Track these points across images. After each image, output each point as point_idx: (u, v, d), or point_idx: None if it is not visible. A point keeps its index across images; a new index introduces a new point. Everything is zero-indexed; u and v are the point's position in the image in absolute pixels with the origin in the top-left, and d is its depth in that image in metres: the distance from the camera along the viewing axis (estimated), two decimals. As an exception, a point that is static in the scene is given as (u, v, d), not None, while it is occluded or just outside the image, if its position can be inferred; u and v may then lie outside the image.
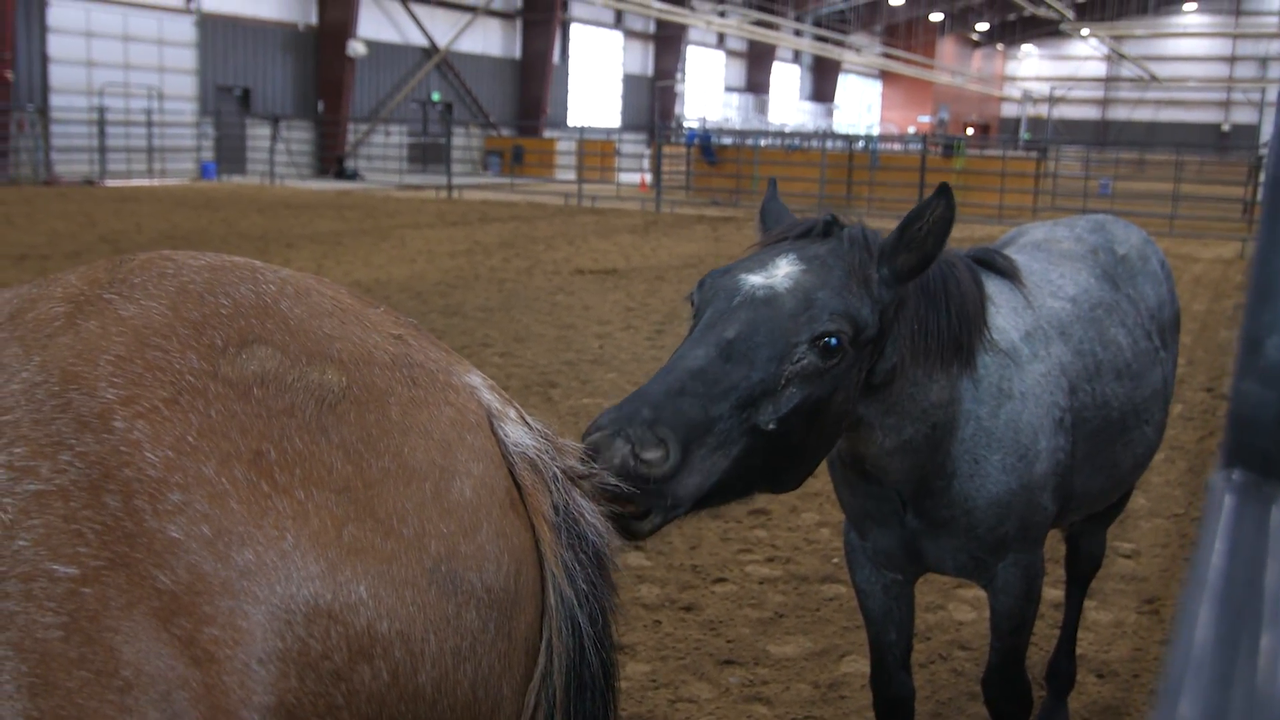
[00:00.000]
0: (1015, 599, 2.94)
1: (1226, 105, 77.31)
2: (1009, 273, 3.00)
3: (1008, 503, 2.76)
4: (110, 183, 29.52)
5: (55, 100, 29.35)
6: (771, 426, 2.18)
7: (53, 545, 1.33)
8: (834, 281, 2.31)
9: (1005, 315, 2.89)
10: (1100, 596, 5.01)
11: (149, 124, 31.33)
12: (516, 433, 1.72)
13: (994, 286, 2.93)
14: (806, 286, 2.28)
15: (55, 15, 29.10)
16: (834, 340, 2.24)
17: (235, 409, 1.45)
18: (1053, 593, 4.72)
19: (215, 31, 33.49)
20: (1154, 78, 72.57)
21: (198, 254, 1.70)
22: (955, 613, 4.84)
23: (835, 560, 5.38)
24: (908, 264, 2.37)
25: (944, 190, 2.33)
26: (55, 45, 29.22)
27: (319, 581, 1.41)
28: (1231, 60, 76.20)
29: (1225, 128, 76.06)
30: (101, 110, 29.98)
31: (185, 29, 32.52)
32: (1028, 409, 2.79)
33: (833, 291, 2.29)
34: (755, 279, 2.32)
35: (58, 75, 29.41)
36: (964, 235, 21.62)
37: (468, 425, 1.64)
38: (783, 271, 2.32)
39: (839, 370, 2.27)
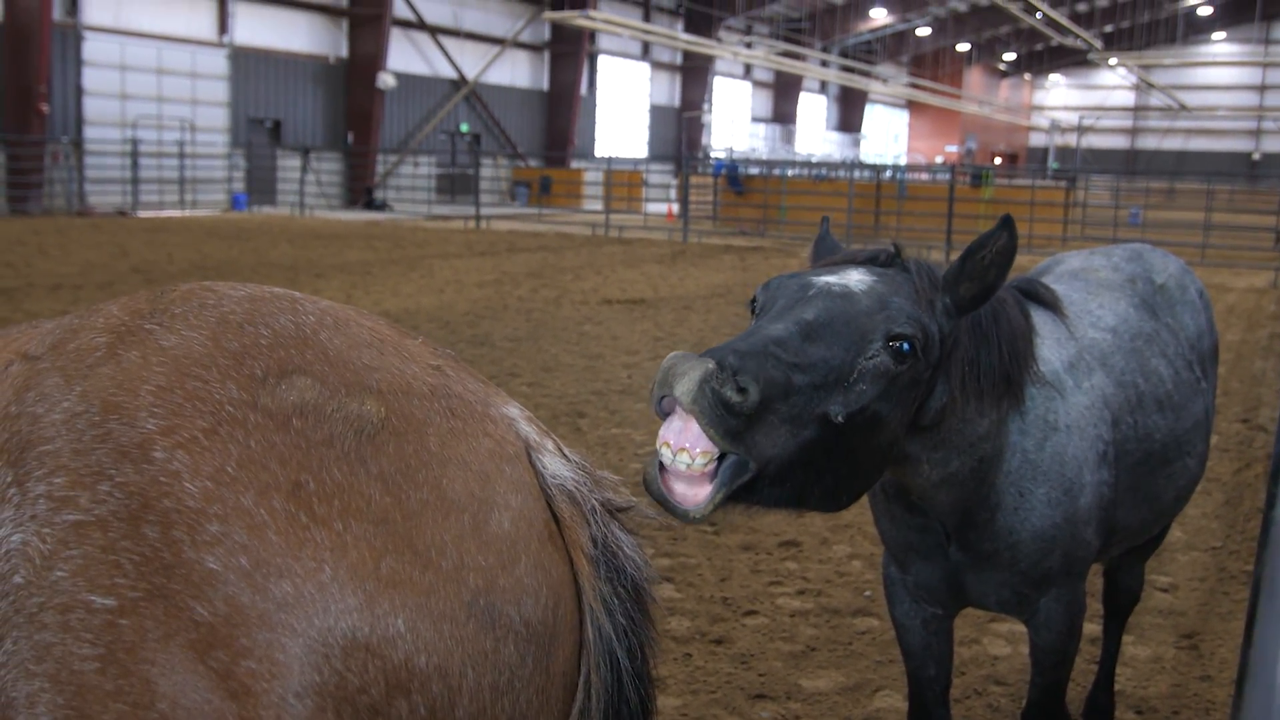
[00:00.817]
0: (1057, 634, 2.89)
1: (1257, 134, 76.93)
2: (1051, 303, 2.97)
3: (1052, 536, 2.72)
4: (142, 213, 29.86)
5: (89, 132, 29.76)
6: (840, 419, 2.13)
7: (91, 576, 1.32)
8: (905, 293, 2.30)
9: (1049, 346, 2.86)
10: (1138, 631, 4.93)
11: (181, 155, 31.70)
12: (554, 464, 1.71)
13: (1037, 317, 2.90)
14: (881, 291, 2.27)
15: (90, 49, 29.54)
16: (907, 345, 2.21)
17: (274, 440, 1.44)
18: (1090, 627, 4.65)
19: (247, 64, 33.91)
20: (1183, 106, 72.30)
21: (238, 285, 1.70)
22: (990, 647, 4.77)
23: (868, 593, 5.32)
24: (969, 293, 2.36)
25: (1007, 222, 2.32)
26: (90, 78, 29.66)
27: (357, 614, 1.39)
28: (1261, 89, 75.86)
29: (1256, 156, 75.66)
30: (134, 142, 30.37)
31: (218, 62, 32.94)
32: (1073, 442, 2.75)
33: (906, 299, 2.28)
34: (829, 278, 2.30)
35: (92, 108, 29.84)
36: (993, 265, 21.49)
37: (506, 457, 1.63)
38: (855, 277, 2.31)
39: (904, 381, 2.24)
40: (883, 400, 2.21)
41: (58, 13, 28.25)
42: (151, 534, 1.34)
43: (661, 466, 2.07)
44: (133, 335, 1.54)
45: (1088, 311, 3.18)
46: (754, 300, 2.38)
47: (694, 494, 2.06)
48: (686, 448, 2.02)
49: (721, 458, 2.05)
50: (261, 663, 1.33)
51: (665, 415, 2.07)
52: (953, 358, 2.40)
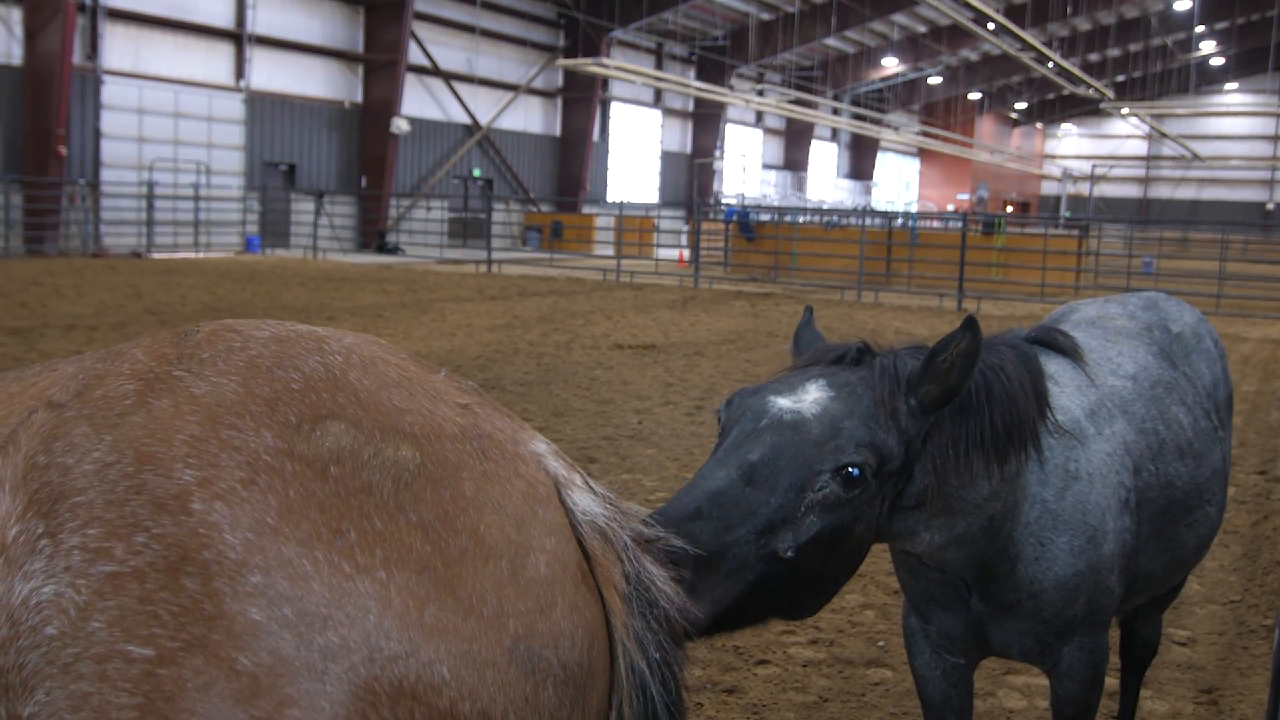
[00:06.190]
0: (1080, 684, 2.87)
1: (1270, 184, 77.00)
2: (1070, 350, 2.98)
3: (1076, 585, 2.72)
4: (157, 255, 30.06)
5: (106, 175, 30.00)
6: (790, 554, 2.16)
7: (128, 626, 1.32)
8: (861, 411, 2.28)
9: (1069, 394, 2.86)
10: (1156, 685, 4.88)
11: (196, 198, 31.93)
12: (584, 500, 1.72)
13: (1056, 365, 2.90)
14: (834, 414, 2.26)
15: (109, 93, 29.85)
16: (857, 471, 2.21)
17: (313, 488, 1.45)
18: (1107, 680, 4.60)
19: (263, 109, 34.22)
20: (1196, 156, 72.43)
21: (261, 323, 1.70)
22: (1005, 700, 4.73)
23: (881, 644, 5.28)
24: (931, 395, 2.34)
25: (969, 324, 2.30)
26: (108, 121, 29.93)
27: (402, 663, 1.39)
28: (1275, 139, 76.06)
29: (1270, 206, 75.71)
30: (150, 185, 30.60)
31: (234, 106, 33.25)
32: (1095, 489, 2.75)
33: (860, 421, 2.26)
34: (784, 402, 2.30)
35: (109, 151, 30.09)
36: (1006, 314, 21.52)
37: (539, 499, 1.64)
38: (811, 397, 2.30)
39: (860, 501, 2.25)
40: (837, 524, 2.22)
41: (78, 57, 28.57)
42: (191, 585, 1.34)
43: None
44: (162, 383, 1.54)
45: (1107, 359, 3.18)
46: (719, 414, 2.40)
47: None
48: None
49: None
50: (306, 712, 1.33)
51: None
52: (929, 445, 2.38)
